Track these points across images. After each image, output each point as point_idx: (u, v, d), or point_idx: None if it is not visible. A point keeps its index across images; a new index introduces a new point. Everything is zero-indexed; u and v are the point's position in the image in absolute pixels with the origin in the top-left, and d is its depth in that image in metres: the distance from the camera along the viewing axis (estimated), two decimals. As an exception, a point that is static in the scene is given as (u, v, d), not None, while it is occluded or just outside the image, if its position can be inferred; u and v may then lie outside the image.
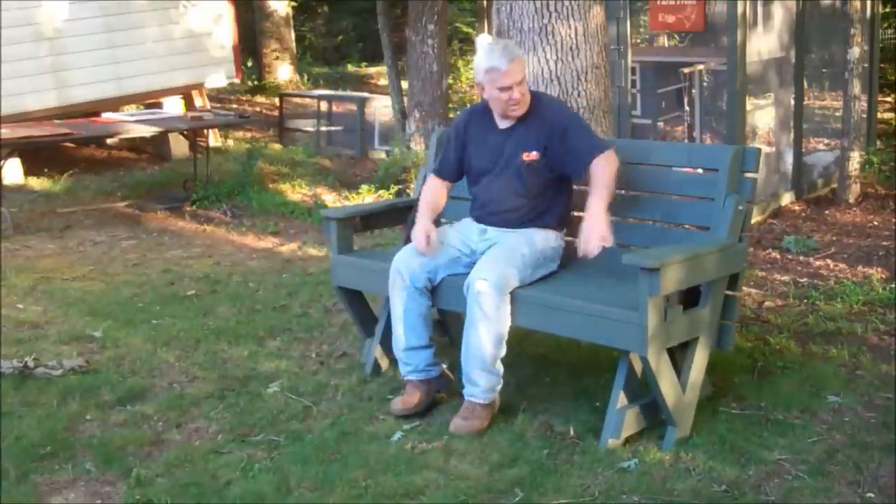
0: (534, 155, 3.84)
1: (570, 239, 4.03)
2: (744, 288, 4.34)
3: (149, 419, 3.88)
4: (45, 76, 8.99)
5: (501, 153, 3.90)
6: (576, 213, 4.07)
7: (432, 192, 4.06)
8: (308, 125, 11.33)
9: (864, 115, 7.48)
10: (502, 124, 3.92)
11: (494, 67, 3.75)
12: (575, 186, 4.02)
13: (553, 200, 3.94)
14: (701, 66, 8.13)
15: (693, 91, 8.23)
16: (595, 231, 3.60)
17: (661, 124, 8.53)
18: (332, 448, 3.57)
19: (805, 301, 5.09)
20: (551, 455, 3.47)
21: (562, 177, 3.92)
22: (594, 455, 3.44)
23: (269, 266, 6.18)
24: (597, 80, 4.63)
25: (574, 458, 3.44)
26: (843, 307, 4.95)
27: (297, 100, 12.78)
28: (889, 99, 10.88)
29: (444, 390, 3.94)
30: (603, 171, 3.72)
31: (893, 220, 6.75)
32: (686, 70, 8.09)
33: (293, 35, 15.71)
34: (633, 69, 7.74)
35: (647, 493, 3.19)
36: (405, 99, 9.69)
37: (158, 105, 10.10)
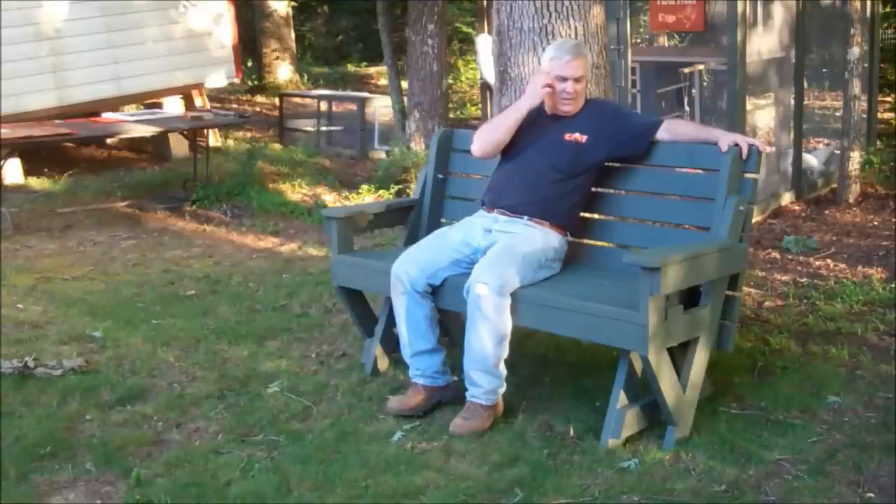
0: (578, 136, 3.93)
1: (573, 240, 4.04)
2: (744, 288, 4.34)
3: (149, 419, 3.88)
4: (44, 76, 8.98)
5: (544, 134, 3.99)
6: (587, 215, 4.10)
7: None
8: (308, 125, 11.33)
9: (864, 115, 7.48)
10: (551, 113, 4.03)
11: (558, 56, 3.94)
12: (593, 189, 4.06)
13: (567, 198, 3.95)
14: (701, 66, 8.14)
15: (693, 91, 8.24)
16: (740, 137, 3.77)
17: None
18: (332, 448, 3.57)
19: (805, 301, 5.09)
20: (551, 455, 3.47)
21: (607, 161, 4.00)
22: (594, 455, 3.44)
23: (269, 266, 6.18)
24: (597, 80, 4.63)
25: (574, 458, 3.45)
26: (843, 307, 4.95)
27: (297, 100, 12.78)
28: (889, 99, 10.87)
29: (447, 402, 3.90)
30: (684, 124, 3.83)
31: (893, 220, 6.75)
32: (686, 70, 8.10)
33: (293, 35, 15.71)
34: (633, 69, 7.74)
35: (647, 493, 3.19)
36: (405, 99, 9.69)
37: (158, 105, 10.09)
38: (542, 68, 4.01)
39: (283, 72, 15.01)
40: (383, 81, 13.49)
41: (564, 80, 3.91)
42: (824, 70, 8.14)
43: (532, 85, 4.00)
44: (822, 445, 3.50)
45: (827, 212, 7.04)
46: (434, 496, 3.21)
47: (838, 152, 7.49)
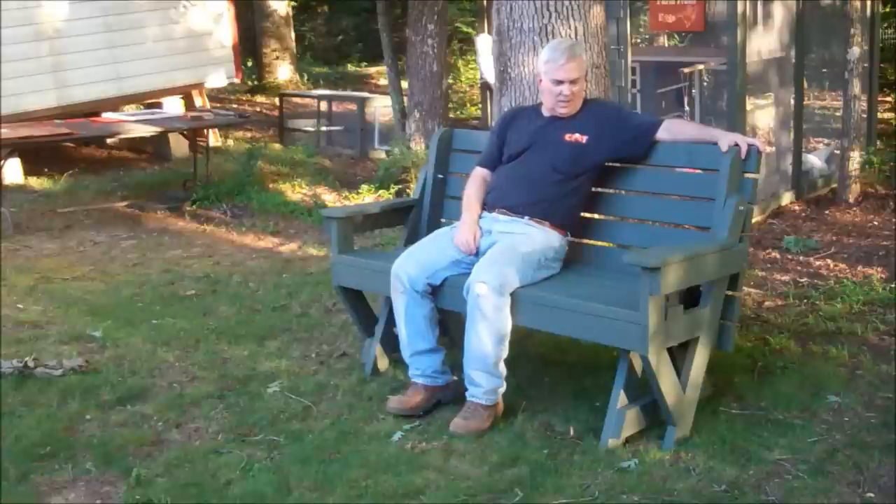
0: (578, 137, 3.92)
1: (574, 240, 4.04)
2: (744, 288, 4.34)
3: (149, 419, 3.88)
4: (45, 76, 8.98)
5: (543, 135, 3.98)
6: (587, 215, 4.10)
7: (477, 186, 4.10)
8: (308, 125, 11.33)
9: (864, 115, 7.47)
10: (549, 115, 4.01)
11: (553, 59, 3.90)
12: (593, 189, 4.05)
13: (568, 199, 3.95)
14: (701, 66, 8.14)
15: (693, 91, 8.25)
16: (740, 137, 3.77)
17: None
18: (332, 448, 3.57)
19: (805, 301, 5.09)
20: (551, 455, 3.47)
21: (607, 162, 3.99)
22: (594, 455, 3.44)
23: (269, 266, 6.18)
24: (597, 80, 4.63)
25: (574, 458, 3.45)
26: (843, 307, 4.95)
27: (297, 100, 12.78)
28: (889, 99, 10.88)
29: (447, 401, 3.90)
30: (684, 124, 3.82)
31: (893, 220, 6.75)
32: (686, 70, 8.10)
33: (293, 35, 15.71)
34: (633, 69, 7.74)
35: (647, 493, 3.19)
36: (405, 99, 9.69)
37: (158, 105, 10.09)
38: (538, 69, 4.01)
39: (283, 72, 15.01)
40: (383, 81, 13.49)
41: (560, 83, 3.90)
42: (824, 70, 8.14)
43: (463, 235, 3.94)
44: (822, 445, 3.50)
45: (827, 212, 7.04)
46: (434, 496, 3.21)
47: (838, 152, 7.50)
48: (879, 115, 8.87)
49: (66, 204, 8.10)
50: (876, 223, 6.73)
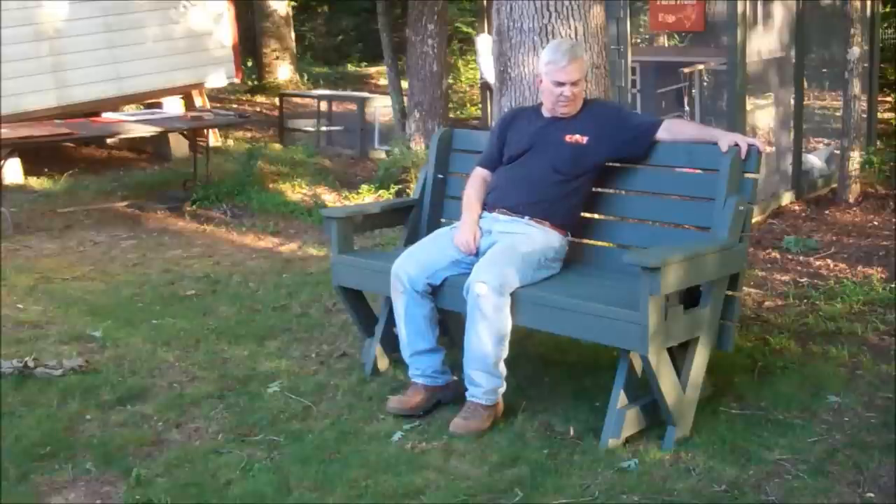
0: (578, 138, 3.92)
1: (574, 240, 4.04)
2: (744, 288, 4.33)
3: (149, 419, 3.88)
4: (45, 76, 8.98)
5: (544, 136, 3.98)
6: (587, 215, 4.10)
7: (478, 186, 4.11)
8: (308, 125, 11.33)
9: (864, 115, 7.47)
10: (549, 115, 4.01)
11: (554, 61, 3.90)
12: (593, 189, 4.05)
13: (568, 199, 3.95)
14: (701, 66, 8.14)
15: (693, 91, 8.25)
16: (740, 137, 3.77)
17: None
18: (332, 448, 3.57)
19: (805, 301, 5.09)
20: (551, 455, 3.47)
21: (607, 162, 3.99)
22: (594, 455, 3.44)
23: (269, 266, 6.18)
24: (597, 80, 4.64)
25: (574, 458, 3.45)
26: (843, 307, 4.95)
27: (297, 100, 12.78)
28: (889, 99, 10.88)
29: (447, 401, 3.89)
30: (684, 124, 3.83)
31: (893, 220, 6.75)
32: (686, 70, 8.10)
33: (293, 35, 15.71)
34: (633, 69, 7.74)
35: (647, 493, 3.19)
36: (405, 99, 9.69)
37: (158, 105, 10.09)
38: (539, 70, 4.01)
39: (283, 72, 15.01)
40: (383, 81, 13.49)
41: (561, 84, 3.90)
42: (824, 70, 8.14)
43: (463, 235, 3.95)
44: (822, 445, 3.50)
45: (827, 212, 7.04)
46: (434, 496, 3.21)
47: (838, 152, 7.50)
48: (879, 115, 8.88)
49: (66, 204, 8.10)
50: (876, 223, 6.73)
